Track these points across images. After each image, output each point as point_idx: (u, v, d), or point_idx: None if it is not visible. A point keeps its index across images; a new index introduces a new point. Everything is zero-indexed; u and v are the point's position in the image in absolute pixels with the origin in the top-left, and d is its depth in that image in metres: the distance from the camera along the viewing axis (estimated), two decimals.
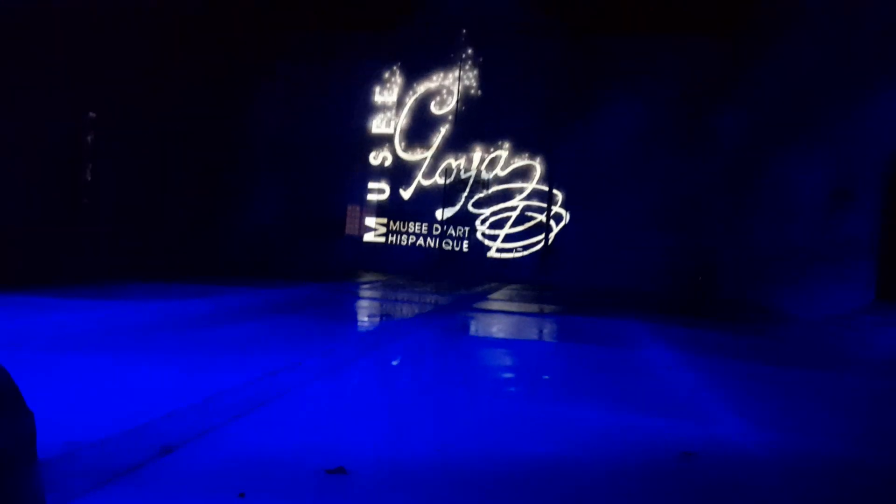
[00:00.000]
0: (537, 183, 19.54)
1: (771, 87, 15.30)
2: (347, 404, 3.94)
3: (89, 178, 12.92)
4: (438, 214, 20.12)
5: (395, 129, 20.40)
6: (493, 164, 19.76)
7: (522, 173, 19.60)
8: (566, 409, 4.10)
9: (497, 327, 8.36)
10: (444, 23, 19.87)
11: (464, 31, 19.82)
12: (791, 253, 13.25)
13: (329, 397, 4.00)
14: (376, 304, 10.41)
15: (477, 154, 19.87)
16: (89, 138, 12.87)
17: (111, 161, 13.41)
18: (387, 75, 20.53)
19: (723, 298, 16.97)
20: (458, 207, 20.12)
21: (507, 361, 5.76)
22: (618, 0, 18.36)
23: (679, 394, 4.81)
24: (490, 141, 19.78)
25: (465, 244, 20.01)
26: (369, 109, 20.68)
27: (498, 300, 11.87)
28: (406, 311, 9.38)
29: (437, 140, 20.12)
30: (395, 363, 5.42)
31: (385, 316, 8.96)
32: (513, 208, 19.68)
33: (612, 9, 18.73)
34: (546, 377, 5.37)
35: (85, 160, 12.79)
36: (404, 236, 20.34)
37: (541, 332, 8.12)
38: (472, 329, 7.97)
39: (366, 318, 8.71)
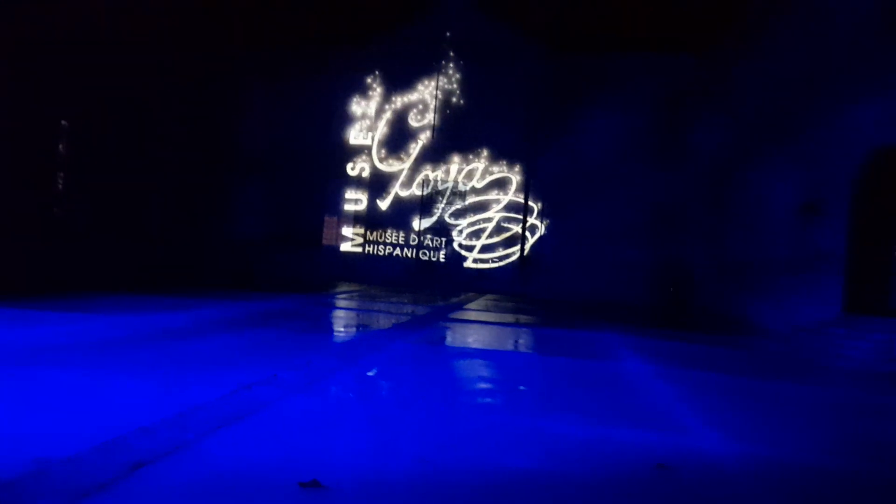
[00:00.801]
0: (514, 194, 19.67)
1: (742, 103, 15.65)
2: (324, 418, 3.91)
3: (61, 188, 12.68)
4: (416, 225, 20.13)
5: (372, 141, 20.41)
6: (470, 175, 19.86)
7: (499, 184, 19.72)
8: (544, 422, 4.12)
9: (474, 338, 8.37)
10: (423, 37, 20.00)
11: (442, 45, 19.95)
12: (763, 265, 13.52)
13: (306, 411, 3.96)
14: (353, 315, 10.35)
15: (454, 165, 19.95)
16: (61, 147, 12.65)
17: (87, 171, 13.19)
18: (365, 87, 20.56)
19: (697, 309, 17.21)
20: (435, 218, 20.16)
21: (485, 373, 5.77)
22: (594, 18, 18.64)
23: (654, 405, 4.86)
24: (467, 152, 19.88)
25: (443, 255, 20.03)
26: (347, 121, 20.69)
27: (475, 311, 11.89)
28: (383, 322, 9.34)
29: (414, 151, 20.17)
30: (372, 375, 5.39)
31: (362, 327, 8.92)
32: (489, 219, 19.78)
33: (589, 27, 19.03)
34: (524, 389, 5.39)
35: (57, 170, 12.56)
36: (381, 247, 20.30)
37: (518, 343, 8.15)
38: (450, 340, 7.97)
39: (343, 330, 8.66)
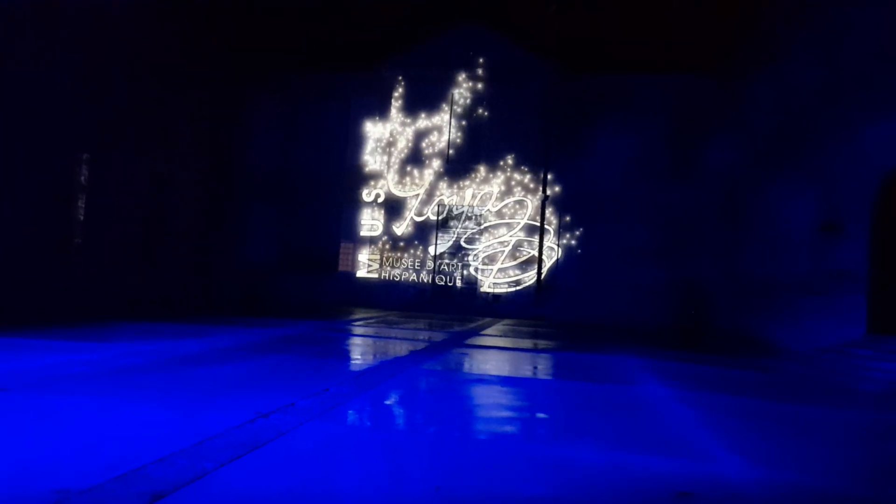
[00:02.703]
0: (529, 217, 19.68)
1: (759, 123, 15.61)
2: (341, 446, 3.90)
3: (82, 217, 12.92)
4: (431, 249, 20.17)
5: (387, 166, 20.59)
6: (485, 199, 19.93)
7: (515, 208, 19.76)
8: (562, 449, 4.07)
9: (491, 364, 8.33)
10: (439, 61, 20.26)
11: (457, 69, 20.19)
12: (783, 285, 13.34)
13: (323, 439, 3.96)
14: (370, 341, 10.35)
15: (469, 189, 20.04)
16: (83, 177, 12.91)
17: (105, 199, 13.44)
18: (380, 112, 20.81)
19: (716, 331, 16.99)
20: (450, 242, 20.21)
21: (502, 399, 5.73)
22: (608, 39, 18.79)
23: (675, 431, 4.79)
24: (482, 176, 19.98)
25: (459, 279, 20.03)
26: (362, 146, 20.92)
27: (492, 336, 11.84)
28: (400, 348, 9.33)
29: (429, 176, 20.31)
30: (389, 402, 5.38)
31: (379, 354, 8.91)
32: (506, 243, 19.78)
33: (603, 48, 19.17)
34: (541, 415, 5.34)
35: (77, 198, 12.81)
36: (397, 272, 20.35)
37: (535, 368, 8.09)
38: (467, 366, 7.94)
39: (359, 356, 8.66)
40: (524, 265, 19.64)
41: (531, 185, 19.71)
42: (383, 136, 20.72)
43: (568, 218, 19.70)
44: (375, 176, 20.74)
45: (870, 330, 9.90)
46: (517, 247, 19.71)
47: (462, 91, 20.25)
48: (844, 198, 10.95)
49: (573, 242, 19.67)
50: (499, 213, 19.83)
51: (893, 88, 9.68)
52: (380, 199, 20.63)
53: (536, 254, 19.49)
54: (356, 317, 15.17)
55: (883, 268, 9.92)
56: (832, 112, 11.53)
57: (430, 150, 20.37)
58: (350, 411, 4.82)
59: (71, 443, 3.56)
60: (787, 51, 14.04)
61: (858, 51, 10.67)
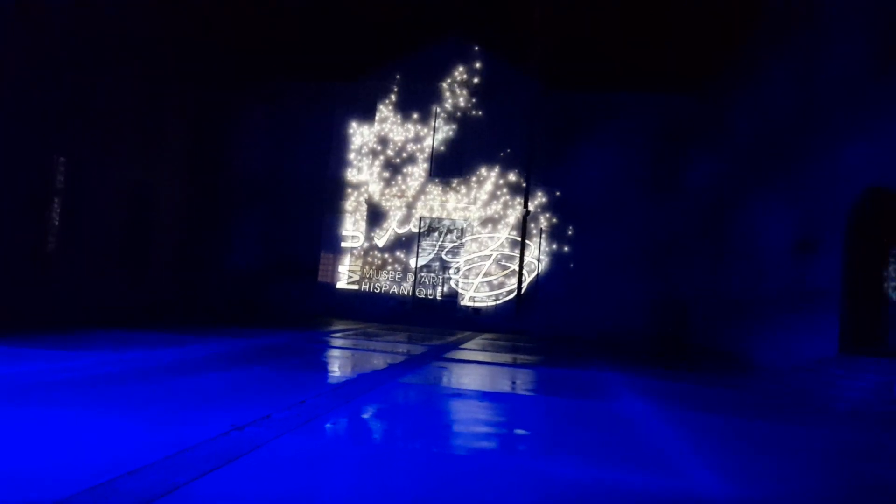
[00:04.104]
0: (511, 231, 19.76)
1: (739, 141, 15.89)
2: (318, 459, 3.85)
3: (59, 223, 12.72)
4: (412, 262, 20.14)
5: (371, 176, 20.58)
6: (467, 211, 19.98)
7: (496, 221, 19.83)
8: (541, 464, 4.07)
9: (471, 378, 8.31)
10: (424, 74, 20.36)
11: (442, 82, 20.30)
12: (761, 301, 13.53)
13: (299, 452, 3.91)
14: (349, 353, 10.28)
15: (451, 202, 20.09)
16: (61, 182, 12.73)
17: (85, 204, 13.25)
18: (363, 123, 20.83)
19: (694, 346, 17.14)
20: (432, 255, 20.20)
21: (481, 414, 5.71)
22: (591, 56, 19.05)
23: (653, 448, 4.81)
24: (465, 189, 20.04)
25: (440, 292, 20.00)
26: (346, 156, 20.89)
27: (471, 350, 11.83)
28: (379, 361, 9.28)
29: (412, 187, 20.32)
30: (366, 416, 5.34)
31: (357, 366, 8.85)
32: (487, 256, 19.82)
33: (586, 64, 19.42)
34: (520, 430, 5.34)
35: (55, 203, 12.62)
36: (378, 283, 20.28)
37: (514, 383, 8.09)
38: (446, 380, 7.91)
39: (338, 369, 8.59)
40: (505, 279, 19.68)
41: (514, 199, 19.82)
42: (367, 146, 20.73)
43: (550, 232, 19.82)
44: (358, 186, 20.71)
45: (842, 348, 10.07)
46: (498, 260, 19.76)
47: (446, 103, 20.35)
48: (819, 217, 11.16)
49: (554, 256, 19.78)
50: (481, 226, 19.88)
51: (868, 111, 9.92)
52: (361, 210, 20.60)
53: (517, 267, 19.56)
54: (336, 328, 15.07)
55: (855, 286, 10.11)
56: (808, 133, 11.77)
57: (414, 162, 20.41)
58: (327, 424, 4.77)
59: (41, 455, 3.48)
60: (765, 72, 14.34)
61: (835, 73, 10.93)
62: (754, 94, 14.93)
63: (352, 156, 20.83)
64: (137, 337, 9.57)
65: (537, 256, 19.78)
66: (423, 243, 20.24)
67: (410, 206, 20.27)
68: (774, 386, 9.49)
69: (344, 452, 4.12)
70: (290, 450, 3.93)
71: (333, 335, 13.13)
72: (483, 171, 19.94)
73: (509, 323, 19.06)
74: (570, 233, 19.67)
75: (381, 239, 20.33)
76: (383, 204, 20.43)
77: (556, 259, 19.74)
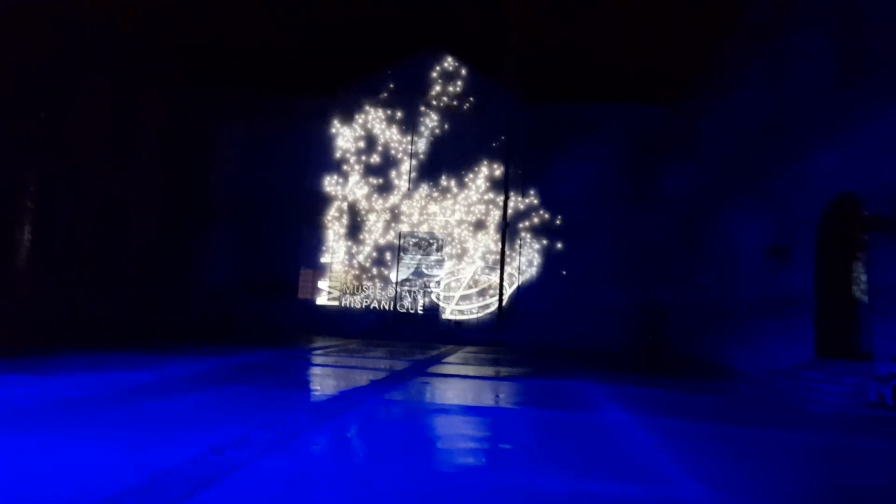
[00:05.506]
0: (491, 243, 19.81)
1: (714, 151, 16.16)
2: (299, 480, 3.79)
3: (28, 238, 12.47)
4: (393, 276, 20.08)
5: (349, 191, 20.52)
6: (447, 225, 20.00)
7: (477, 234, 19.87)
8: (525, 477, 4.05)
9: (454, 393, 8.26)
10: (402, 88, 20.43)
11: (420, 96, 20.38)
12: (737, 308, 13.69)
13: (279, 473, 3.84)
14: (329, 370, 10.18)
15: (432, 215, 20.10)
16: (29, 198, 12.49)
17: (53, 221, 13.01)
18: (342, 137, 20.79)
19: (673, 354, 17.27)
20: (412, 269, 20.15)
21: (466, 429, 5.68)
22: (568, 68, 19.27)
23: (636, 457, 4.81)
24: (445, 202, 20.07)
25: (420, 306, 19.94)
26: (324, 170, 20.80)
27: (455, 363, 11.78)
28: (360, 377, 9.19)
29: (390, 202, 20.31)
30: (348, 433, 5.27)
31: (339, 383, 8.76)
32: (467, 269, 19.82)
33: (563, 76, 19.64)
34: (504, 444, 5.31)
35: (23, 219, 12.37)
36: (358, 298, 20.16)
37: (498, 396, 8.06)
38: (429, 396, 7.86)
39: (318, 386, 8.49)
40: (485, 291, 19.70)
41: (493, 211, 19.89)
42: (345, 161, 20.68)
43: (530, 244, 19.90)
44: (336, 200, 20.62)
45: (817, 352, 10.21)
46: (479, 273, 19.77)
47: (425, 117, 20.42)
48: (792, 224, 11.35)
49: (534, 268, 19.86)
50: (461, 240, 19.90)
51: (835, 120, 10.15)
52: (341, 224, 20.51)
53: (498, 280, 19.59)
54: (316, 345, 14.91)
55: (828, 291, 10.27)
56: (780, 141, 12.01)
57: (393, 176, 20.41)
58: (308, 444, 4.70)
59: (13, 483, 3.37)
60: (737, 82, 14.63)
61: (804, 84, 11.18)
62: (727, 104, 15.21)
63: (330, 171, 20.76)
64: (109, 357, 9.37)
65: (518, 268, 19.84)
66: (404, 257, 20.19)
67: (390, 221, 20.24)
68: (753, 392, 9.59)
69: (325, 472, 4.05)
70: (270, 470, 3.86)
71: (314, 352, 12.99)
72: (462, 183, 20.00)
73: (491, 335, 19.05)
74: (550, 244, 19.78)
75: (361, 254, 20.24)
76: (363, 218, 20.37)
77: (537, 270, 19.82)
